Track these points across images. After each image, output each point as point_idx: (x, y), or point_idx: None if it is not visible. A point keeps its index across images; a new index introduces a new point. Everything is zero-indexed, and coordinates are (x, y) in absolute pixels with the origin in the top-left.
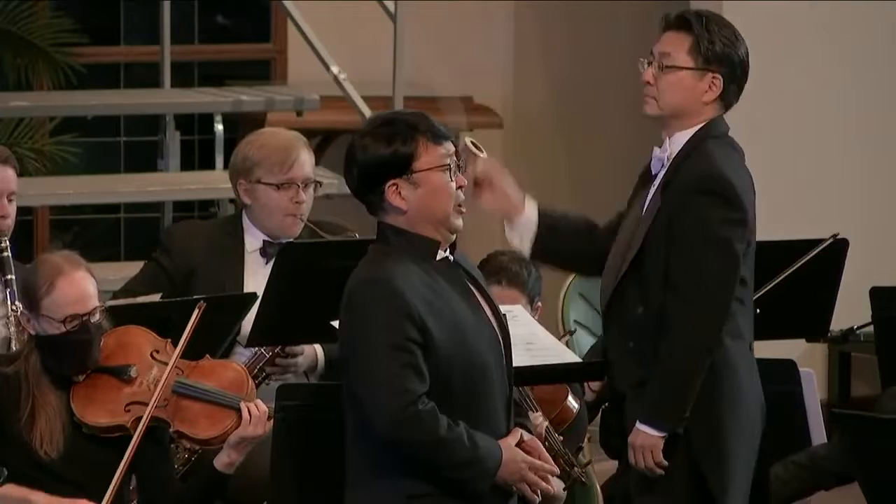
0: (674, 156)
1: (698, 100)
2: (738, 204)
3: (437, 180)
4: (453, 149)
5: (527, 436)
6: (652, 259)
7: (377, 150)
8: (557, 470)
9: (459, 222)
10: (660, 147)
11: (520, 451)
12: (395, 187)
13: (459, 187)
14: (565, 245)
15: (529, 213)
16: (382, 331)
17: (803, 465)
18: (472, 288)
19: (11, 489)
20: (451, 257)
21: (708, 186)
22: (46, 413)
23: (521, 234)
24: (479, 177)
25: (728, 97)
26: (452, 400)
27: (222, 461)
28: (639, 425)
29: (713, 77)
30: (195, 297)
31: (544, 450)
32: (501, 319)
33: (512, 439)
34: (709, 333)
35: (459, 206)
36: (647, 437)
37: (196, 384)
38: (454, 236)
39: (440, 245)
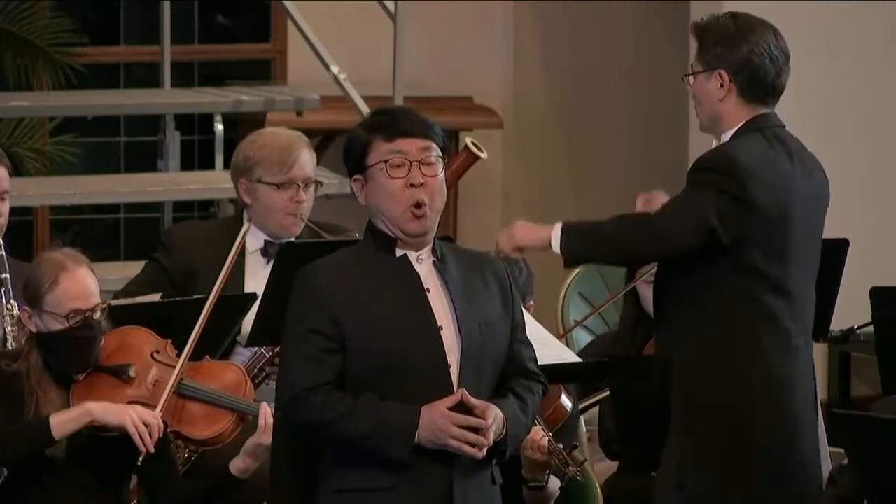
0: None
1: (715, 99)
2: (736, 177)
3: (379, 176)
4: (413, 145)
5: (476, 401)
6: None
7: (345, 146)
8: (486, 423)
9: (413, 225)
10: None
11: (445, 411)
12: (358, 183)
13: (412, 185)
14: None
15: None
16: (293, 320)
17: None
18: (425, 291)
19: (65, 412)
20: (420, 256)
21: (706, 163)
22: (49, 411)
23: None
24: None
25: (747, 90)
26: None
27: (237, 466)
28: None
29: (718, 73)
30: (195, 297)
31: (495, 409)
32: (472, 328)
33: (444, 402)
34: (650, 241)
35: (418, 206)
36: (536, 233)
37: (199, 386)
38: (414, 239)
39: (396, 243)
